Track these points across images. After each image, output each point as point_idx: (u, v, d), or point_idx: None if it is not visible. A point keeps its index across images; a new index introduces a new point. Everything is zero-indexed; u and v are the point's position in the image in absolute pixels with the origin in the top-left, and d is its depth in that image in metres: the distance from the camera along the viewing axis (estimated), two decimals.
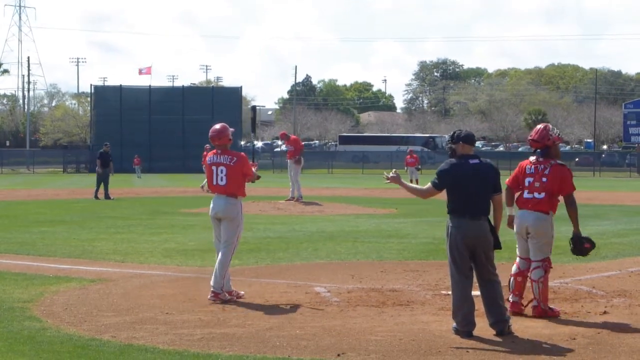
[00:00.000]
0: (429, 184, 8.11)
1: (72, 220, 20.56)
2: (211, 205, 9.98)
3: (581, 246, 8.90)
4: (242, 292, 9.94)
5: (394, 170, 8.49)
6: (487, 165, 8.03)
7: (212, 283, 9.66)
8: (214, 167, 9.80)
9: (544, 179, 8.68)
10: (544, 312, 8.65)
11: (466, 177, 7.89)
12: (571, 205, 8.81)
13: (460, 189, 7.89)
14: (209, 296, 9.63)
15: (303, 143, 28.11)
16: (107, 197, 29.29)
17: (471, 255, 7.89)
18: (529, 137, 9.01)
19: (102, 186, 29.64)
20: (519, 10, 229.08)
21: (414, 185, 8.57)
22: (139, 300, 9.56)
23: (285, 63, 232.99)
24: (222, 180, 9.75)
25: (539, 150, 8.89)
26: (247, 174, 9.88)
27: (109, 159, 30.15)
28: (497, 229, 8.08)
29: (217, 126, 10.01)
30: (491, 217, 8.07)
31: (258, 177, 10.30)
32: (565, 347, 7.39)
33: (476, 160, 7.98)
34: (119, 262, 12.87)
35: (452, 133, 8.20)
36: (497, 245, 8.02)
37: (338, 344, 7.42)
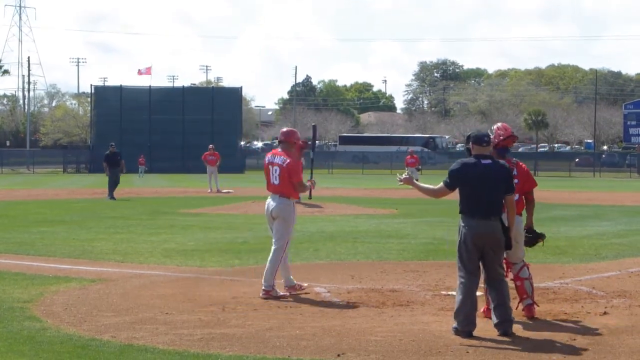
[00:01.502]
0: (440, 184, 8.15)
1: (72, 220, 20.55)
2: (266, 204, 10.27)
3: (536, 239, 8.80)
4: (305, 284, 10.19)
5: (407, 171, 8.57)
6: (499, 166, 8.04)
7: (262, 281, 9.92)
8: (270, 167, 10.22)
9: (516, 181, 8.64)
10: (534, 308, 8.67)
11: (477, 177, 7.90)
12: (533, 201, 8.86)
13: (471, 188, 7.91)
14: (260, 294, 9.82)
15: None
16: (110, 196, 29.20)
17: (481, 255, 7.90)
18: (507, 136, 8.60)
19: (108, 185, 29.48)
20: (517, 11, 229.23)
21: (426, 185, 8.55)
22: (139, 300, 9.56)
23: (285, 63, 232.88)
24: (276, 179, 10.13)
25: (500, 150, 8.66)
26: (291, 178, 10.07)
27: (117, 158, 29.86)
28: (510, 230, 8.09)
29: (287, 128, 10.62)
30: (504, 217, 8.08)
31: (305, 189, 10.40)
32: (565, 347, 7.38)
33: (488, 161, 7.99)
34: (119, 262, 12.86)
35: (468, 134, 8.26)
36: (508, 246, 8.04)
37: (338, 344, 7.42)
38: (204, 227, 18.58)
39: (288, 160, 10.12)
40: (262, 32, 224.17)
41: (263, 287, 9.88)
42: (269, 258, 10.02)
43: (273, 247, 10.07)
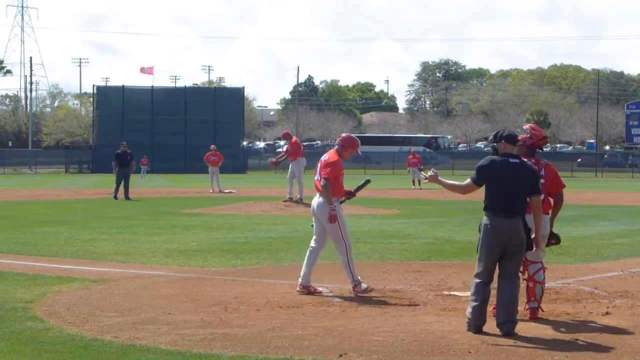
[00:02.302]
0: (468, 180, 8.19)
1: (74, 220, 20.56)
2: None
3: (550, 241, 8.84)
4: (320, 289, 10.13)
5: (432, 169, 8.59)
6: (526, 166, 8.07)
7: (348, 275, 10.01)
8: (318, 165, 10.36)
9: (542, 181, 8.65)
10: (539, 312, 8.70)
11: (504, 175, 7.93)
12: (559, 203, 8.89)
13: (497, 186, 7.94)
14: (351, 293, 9.91)
15: (305, 144, 27.91)
16: (127, 197, 29.12)
17: (502, 253, 7.92)
18: (542, 137, 8.78)
19: (121, 186, 29.38)
20: (518, 11, 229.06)
21: (452, 181, 8.56)
22: (141, 300, 9.56)
23: (286, 63, 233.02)
24: (317, 175, 10.22)
25: (532, 150, 8.76)
26: (321, 170, 10.06)
27: (127, 157, 29.80)
28: (537, 231, 8.11)
29: (346, 134, 10.73)
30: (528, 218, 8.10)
31: (328, 188, 9.98)
32: (567, 347, 7.38)
33: (516, 160, 8.02)
34: (121, 263, 12.87)
35: (495, 132, 8.25)
36: (530, 246, 8.06)
37: (340, 344, 7.42)
38: (206, 228, 18.59)
39: (327, 157, 10.18)
40: (263, 33, 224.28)
41: (353, 284, 9.92)
42: (341, 260, 10.07)
43: (337, 249, 10.12)
